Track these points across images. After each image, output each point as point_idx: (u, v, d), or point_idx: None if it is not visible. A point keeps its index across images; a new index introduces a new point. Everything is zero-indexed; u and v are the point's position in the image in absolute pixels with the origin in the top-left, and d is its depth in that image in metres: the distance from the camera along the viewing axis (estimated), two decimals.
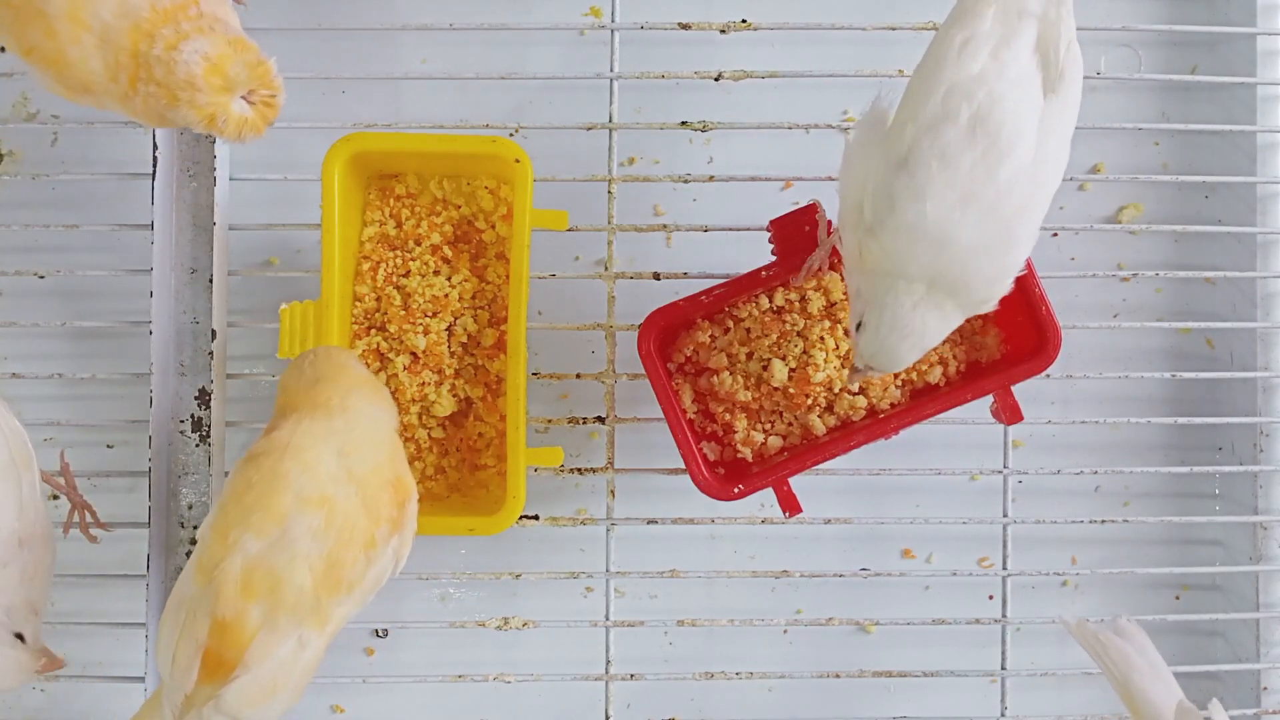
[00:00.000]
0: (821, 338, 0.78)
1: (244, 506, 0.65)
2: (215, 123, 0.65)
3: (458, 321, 0.81)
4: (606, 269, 0.84)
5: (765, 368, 0.79)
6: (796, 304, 0.79)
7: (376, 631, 0.89)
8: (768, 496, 0.76)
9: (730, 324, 0.80)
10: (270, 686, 0.64)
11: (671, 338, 0.80)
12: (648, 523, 0.83)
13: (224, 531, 0.65)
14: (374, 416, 0.70)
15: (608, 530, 0.83)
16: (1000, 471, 0.85)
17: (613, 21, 0.84)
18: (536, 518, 0.84)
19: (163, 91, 0.64)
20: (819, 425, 0.78)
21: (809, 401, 0.78)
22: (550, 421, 0.85)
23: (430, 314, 0.81)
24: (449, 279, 0.81)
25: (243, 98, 0.65)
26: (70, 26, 0.63)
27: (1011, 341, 0.79)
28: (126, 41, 0.64)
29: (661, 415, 0.76)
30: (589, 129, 0.84)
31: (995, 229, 0.64)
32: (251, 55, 0.65)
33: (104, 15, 0.63)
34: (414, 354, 0.81)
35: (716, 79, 0.85)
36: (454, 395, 0.81)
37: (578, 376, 0.84)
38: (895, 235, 0.64)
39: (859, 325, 0.68)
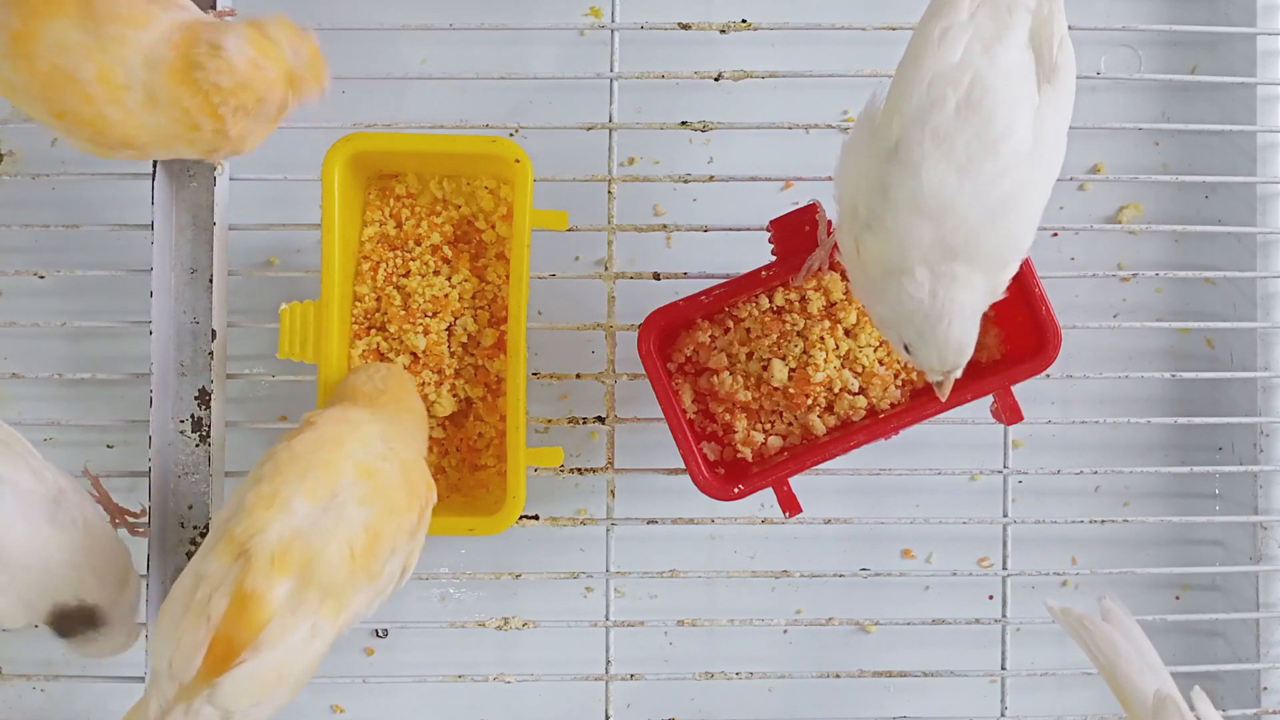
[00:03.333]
0: (821, 338, 0.78)
1: (300, 469, 0.65)
2: (298, 85, 0.67)
3: (458, 321, 0.81)
4: (606, 269, 0.84)
5: (765, 368, 0.79)
6: (796, 304, 0.79)
7: (376, 631, 0.89)
8: (768, 496, 0.76)
9: (730, 324, 0.80)
10: (274, 677, 0.62)
11: (671, 338, 0.80)
12: (648, 523, 0.83)
13: (273, 495, 0.64)
14: (415, 430, 0.74)
15: (608, 530, 0.83)
16: (1000, 471, 0.85)
17: (613, 21, 0.84)
18: (536, 518, 0.84)
19: (243, 93, 0.65)
20: (819, 425, 0.78)
21: (809, 401, 0.78)
22: (550, 421, 0.85)
23: (430, 314, 0.81)
24: (449, 279, 0.81)
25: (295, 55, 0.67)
26: (105, 89, 0.64)
27: (1011, 341, 0.79)
28: (173, 85, 0.65)
29: (661, 415, 0.76)
30: (589, 129, 0.84)
31: (996, 201, 0.63)
32: (270, 20, 0.67)
33: (138, 72, 0.64)
34: (414, 354, 0.81)
35: (716, 79, 0.85)
36: (454, 395, 0.81)
37: (578, 376, 0.84)
38: (892, 214, 0.64)
39: (905, 347, 0.66)
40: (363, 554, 0.65)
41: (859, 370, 0.78)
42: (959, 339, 0.65)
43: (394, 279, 0.81)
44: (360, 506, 0.65)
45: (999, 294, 0.67)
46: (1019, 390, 0.76)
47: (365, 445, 0.68)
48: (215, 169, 0.81)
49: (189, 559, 0.80)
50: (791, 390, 0.78)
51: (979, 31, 0.64)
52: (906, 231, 0.64)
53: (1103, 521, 0.86)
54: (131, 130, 0.66)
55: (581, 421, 0.84)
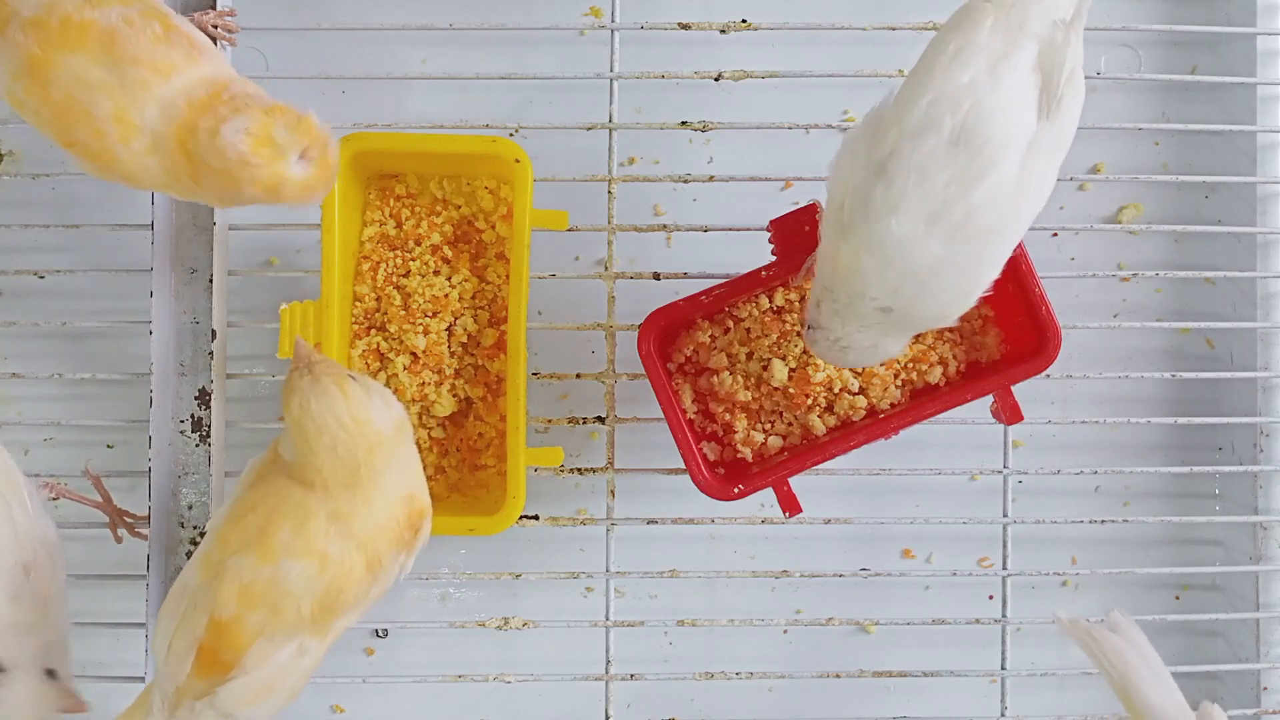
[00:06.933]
0: None
1: (242, 534, 0.64)
2: (279, 190, 0.65)
3: (458, 321, 0.81)
4: (606, 269, 0.84)
5: (765, 368, 0.79)
6: (796, 304, 0.79)
7: (376, 631, 0.89)
8: (768, 496, 0.76)
9: (730, 324, 0.80)
10: (266, 688, 0.64)
11: (671, 338, 0.80)
12: (648, 523, 0.83)
13: (223, 546, 0.65)
14: (387, 480, 0.66)
15: (608, 530, 0.83)
16: (1000, 471, 0.85)
17: (613, 21, 0.84)
18: (536, 518, 0.84)
19: (223, 178, 0.64)
20: (819, 425, 0.78)
21: (809, 401, 0.78)
22: (550, 421, 0.85)
23: (430, 314, 0.81)
24: (449, 279, 0.81)
25: (299, 159, 0.65)
26: (119, 129, 0.64)
27: (1011, 341, 0.79)
28: (174, 144, 0.64)
29: (661, 415, 0.76)
30: (589, 129, 0.84)
31: (961, 249, 0.63)
32: (290, 117, 0.65)
33: (151, 120, 0.64)
34: (414, 354, 0.81)
35: (716, 79, 0.85)
36: (454, 395, 0.81)
37: (578, 376, 0.84)
38: (867, 249, 0.64)
39: (812, 324, 0.69)
40: (320, 610, 0.64)
41: (859, 370, 0.78)
42: (851, 364, 0.71)
43: (394, 279, 0.81)
44: (307, 583, 0.64)
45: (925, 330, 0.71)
46: (1019, 390, 0.76)
47: (301, 532, 0.63)
48: None
49: (189, 559, 0.80)
50: (791, 390, 0.78)
51: (989, 50, 0.63)
52: (876, 276, 0.64)
53: (1103, 521, 0.86)
54: (133, 168, 0.65)
55: (581, 421, 0.84)
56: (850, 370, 0.78)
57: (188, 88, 0.65)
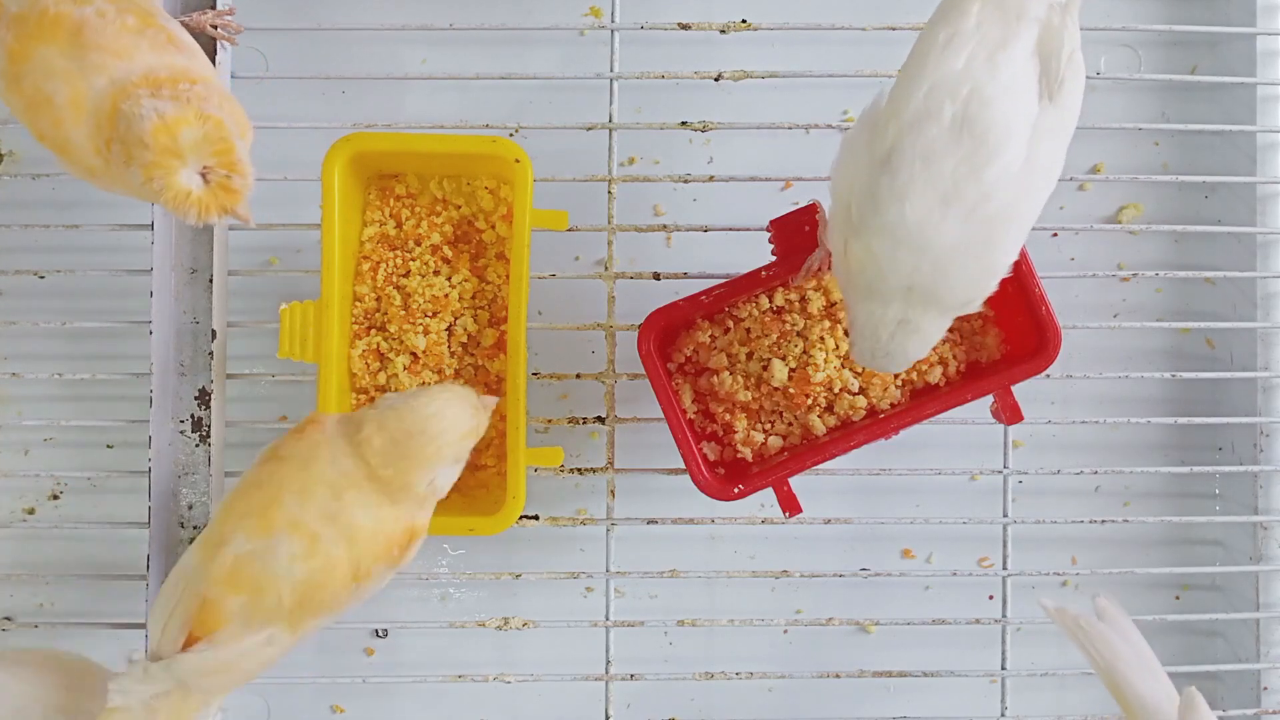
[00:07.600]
0: (821, 338, 0.78)
1: (247, 505, 0.66)
2: (153, 186, 0.62)
3: (458, 321, 0.81)
4: (606, 269, 0.84)
5: (765, 368, 0.79)
6: (796, 304, 0.79)
7: (376, 631, 0.89)
8: (768, 496, 0.76)
9: (730, 324, 0.80)
10: (228, 666, 0.65)
11: (671, 338, 0.80)
12: (648, 523, 0.83)
13: (225, 521, 0.66)
14: (406, 501, 0.67)
15: (608, 530, 0.83)
16: (1000, 471, 0.85)
17: (613, 21, 0.84)
18: (536, 518, 0.84)
19: (121, 149, 0.62)
20: (819, 425, 0.78)
21: (809, 401, 0.78)
22: (550, 421, 0.85)
23: (430, 314, 0.81)
24: (449, 279, 0.81)
25: (201, 175, 0.62)
26: (73, 113, 0.63)
27: (1011, 341, 0.79)
28: (108, 104, 0.63)
29: (661, 415, 0.76)
30: (589, 129, 0.84)
31: (978, 229, 0.63)
32: (215, 132, 0.62)
33: (99, 84, 0.63)
34: (414, 354, 0.81)
35: (716, 79, 0.85)
36: None
37: (578, 376, 0.84)
38: (878, 236, 0.64)
39: (848, 327, 0.68)
40: (301, 603, 0.65)
41: (859, 370, 0.78)
42: (900, 368, 0.68)
43: (394, 279, 0.81)
44: (292, 564, 0.64)
45: (955, 316, 0.68)
46: (1019, 390, 0.76)
47: (304, 504, 0.65)
48: None
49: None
50: (791, 390, 0.78)
51: (984, 38, 0.63)
52: (889, 260, 0.64)
53: (1103, 521, 0.86)
54: (86, 157, 0.64)
55: (581, 421, 0.84)
56: (850, 370, 0.78)
57: (150, 69, 0.63)
